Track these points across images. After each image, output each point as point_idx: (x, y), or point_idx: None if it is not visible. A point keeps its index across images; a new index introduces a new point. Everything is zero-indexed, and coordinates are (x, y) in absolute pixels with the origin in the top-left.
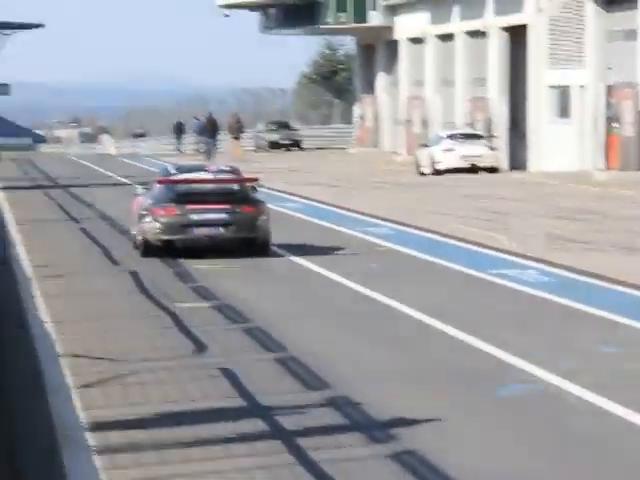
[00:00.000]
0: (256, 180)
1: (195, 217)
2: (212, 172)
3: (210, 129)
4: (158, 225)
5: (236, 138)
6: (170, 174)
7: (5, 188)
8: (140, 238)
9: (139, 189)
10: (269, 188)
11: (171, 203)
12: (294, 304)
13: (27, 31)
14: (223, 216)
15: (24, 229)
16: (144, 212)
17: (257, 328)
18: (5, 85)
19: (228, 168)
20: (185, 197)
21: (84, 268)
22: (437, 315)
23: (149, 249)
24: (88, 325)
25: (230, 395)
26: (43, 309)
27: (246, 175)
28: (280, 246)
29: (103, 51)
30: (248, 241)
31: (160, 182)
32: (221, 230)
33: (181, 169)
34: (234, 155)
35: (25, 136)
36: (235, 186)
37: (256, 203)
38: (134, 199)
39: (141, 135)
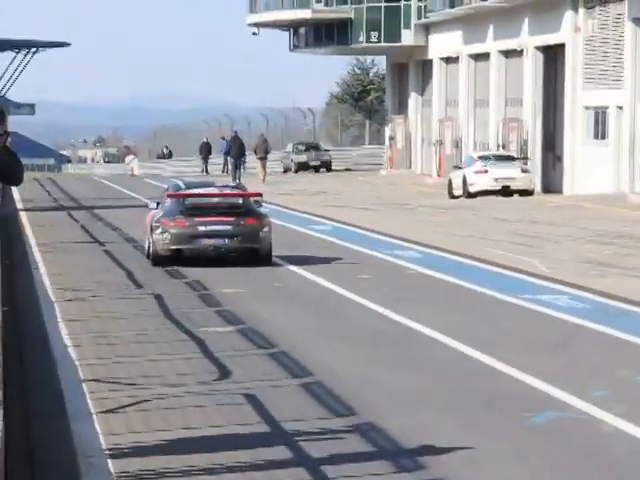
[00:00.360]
0: (260, 195)
1: (202, 228)
2: (218, 187)
3: (236, 149)
4: (168, 236)
5: (261, 159)
6: (180, 189)
7: (28, 209)
8: (151, 248)
9: (151, 203)
10: (296, 210)
11: (180, 215)
12: (321, 329)
13: (53, 50)
14: (228, 228)
15: (46, 251)
16: (156, 224)
17: (282, 353)
18: (30, 105)
19: (233, 184)
20: (193, 210)
21: (107, 291)
22: (466, 340)
23: (159, 259)
24: (110, 349)
25: (254, 421)
26: (65, 333)
27: (252, 191)
28: (308, 269)
29: (129, 70)
30: (251, 251)
31: (170, 196)
32: (226, 241)
33: (190, 185)
34: (259, 177)
35: (49, 156)
36: (240, 200)
37: (259, 216)
38: (147, 213)
39: (168, 155)
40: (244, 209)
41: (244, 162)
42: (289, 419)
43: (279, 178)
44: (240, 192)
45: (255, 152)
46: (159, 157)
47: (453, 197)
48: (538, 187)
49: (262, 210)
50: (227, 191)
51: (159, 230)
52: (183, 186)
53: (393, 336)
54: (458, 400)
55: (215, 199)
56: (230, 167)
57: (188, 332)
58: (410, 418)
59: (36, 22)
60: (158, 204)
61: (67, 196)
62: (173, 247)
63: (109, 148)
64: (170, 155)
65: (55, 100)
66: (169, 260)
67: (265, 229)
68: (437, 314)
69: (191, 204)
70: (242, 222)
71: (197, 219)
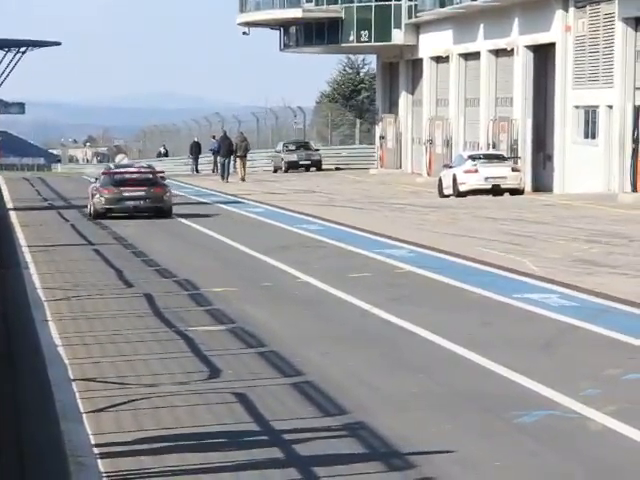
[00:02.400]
0: (162, 172)
1: (125, 194)
2: (136, 168)
3: (224, 148)
4: (102, 199)
5: (241, 157)
6: (111, 169)
7: (17, 209)
8: (92, 208)
9: (92, 179)
10: (287, 209)
11: (111, 186)
12: (310, 327)
13: (44, 49)
14: (142, 194)
15: (36, 251)
16: (94, 192)
17: (273, 352)
18: (20, 104)
19: (147, 165)
20: (119, 182)
21: (97, 290)
22: (457, 339)
23: (97, 215)
24: (101, 349)
25: (244, 420)
26: (55, 332)
27: (157, 170)
28: (297, 268)
29: (119, 70)
30: (158, 209)
31: (104, 173)
32: (141, 202)
33: (118, 166)
34: (239, 175)
35: (39, 156)
36: (150, 175)
37: (163, 186)
38: (89, 185)
39: (165, 154)
40: (153, 181)
41: (234, 161)
42: (279, 418)
43: (269, 177)
44: (150, 170)
45: (235, 151)
46: (158, 156)
47: (443, 196)
48: (528, 186)
49: (166, 182)
50: (142, 170)
51: (97, 195)
52: (113, 167)
53: (383, 335)
54: (448, 399)
55: (134, 175)
56: (219, 166)
57: (178, 331)
58: (401, 417)
59: (27, 21)
60: (96, 179)
61: (57, 195)
62: (106, 206)
63: (99, 147)
64: (167, 154)
65: (45, 99)
66: (103, 216)
67: (167, 195)
68: (427, 313)
69: (118, 178)
70: (152, 190)
71: (122, 188)
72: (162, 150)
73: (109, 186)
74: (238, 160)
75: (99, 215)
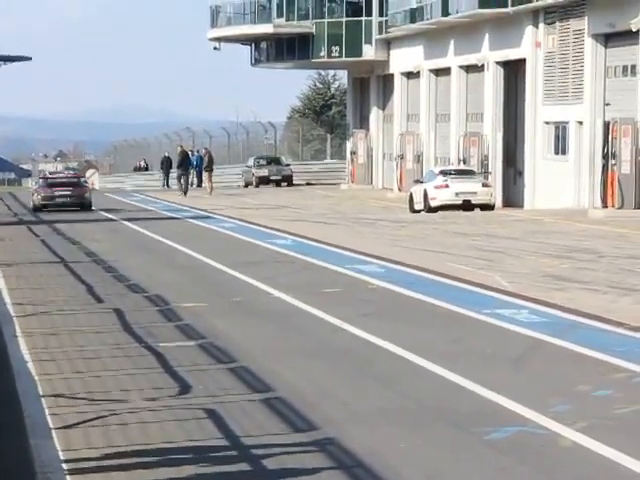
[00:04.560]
0: (83, 176)
1: (57, 193)
2: (65, 173)
3: (184, 163)
4: (39, 197)
5: (208, 171)
6: (46, 175)
7: None
8: (33, 204)
9: (33, 183)
10: (258, 224)
11: (46, 187)
12: (281, 343)
13: (13, 64)
14: (69, 192)
15: (6, 266)
16: (34, 192)
17: (243, 368)
18: None
19: (74, 171)
20: (52, 185)
21: (67, 305)
22: (426, 355)
23: (36, 208)
24: (70, 364)
25: (214, 436)
26: (24, 348)
27: (81, 174)
28: (267, 283)
29: (89, 84)
30: (80, 204)
31: (41, 178)
32: (68, 199)
33: (53, 173)
34: (207, 189)
35: (9, 170)
36: (75, 179)
37: (84, 187)
38: (33, 187)
39: (145, 168)
40: (77, 184)
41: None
42: (249, 434)
43: (240, 192)
44: (75, 175)
45: (196, 165)
46: (136, 169)
47: (414, 211)
48: (499, 201)
49: (87, 184)
50: (69, 175)
51: (36, 194)
52: (48, 174)
53: (354, 351)
54: (418, 415)
55: (63, 179)
56: (180, 181)
57: (148, 347)
58: (371, 433)
59: None
60: (37, 183)
61: (27, 210)
62: (42, 202)
63: (70, 162)
64: (147, 168)
65: (15, 114)
66: (40, 209)
67: (87, 194)
68: (398, 329)
69: (51, 182)
70: (76, 190)
71: (54, 188)
72: (142, 164)
73: (45, 187)
74: (206, 174)
75: (37, 209)
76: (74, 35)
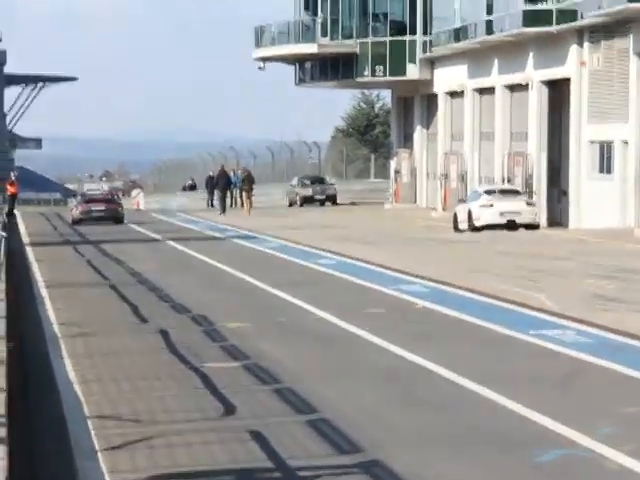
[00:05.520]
0: (117, 194)
1: (93, 208)
2: (101, 192)
3: (222, 183)
4: (78, 212)
5: (247, 191)
6: (85, 193)
7: (34, 244)
8: (72, 217)
9: (73, 200)
10: (302, 244)
11: (84, 203)
12: (325, 364)
13: (60, 84)
14: (103, 208)
15: (52, 286)
16: (74, 207)
17: (287, 389)
18: (37, 139)
19: (108, 191)
20: (88, 200)
21: (113, 326)
22: (471, 376)
23: (75, 222)
24: (116, 385)
25: (259, 458)
26: (70, 369)
27: (114, 192)
28: (312, 303)
29: (134, 104)
30: (114, 218)
31: (80, 195)
32: (103, 214)
33: (89, 190)
34: (245, 209)
35: (55, 190)
36: (109, 196)
37: (118, 204)
38: (73, 204)
39: (193, 187)
40: (111, 200)
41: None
42: (294, 456)
43: (284, 211)
44: (109, 192)
45: (232, 184)
46: (185, 188)
47: (458, 231)
48: (543, 221)
49: (120, 201)
50: (104, 192)
51: (75, 209)
52: (87, 191)
53: (399, 372)
54: (464, 437)
55: (98, 196)
56: (217, 200)
57: (193, 367)
58: (416, 455)
59: (44, 56)
60: (75, 199)
61: (73, 230)
62: (81, 216)
63: (115, 182)
64: (195, 187)
65: (62, 134)
66: (79, 222)
67: (120, 209)
68: (444, 349)
69: (88, 198)
70: (110, 205)
71: (91, 204)
72: (190, 182)
73: (82, 203)
74: (243, 194)
75: (75, 222)
76: (120, 55)
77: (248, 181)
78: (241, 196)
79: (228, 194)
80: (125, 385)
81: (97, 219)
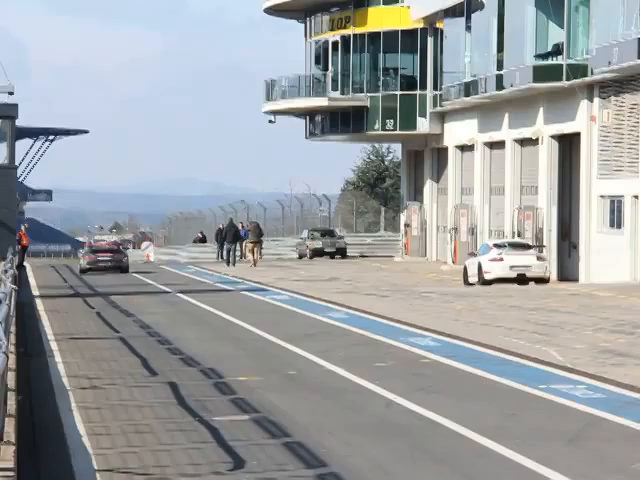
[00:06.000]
0: (122, 244)
1: (100, 258)
2: (107, 243)
3: (230, 235)
4: (86, 261)
5: (254, 243)
6: (92, 244)
7: (43, 296)
8: (80, 267)
9: (81, 250)
10: (312, 297)
11: (90, 254)
12: (335, 418)
13: (70, 137)
14: (109, 258)
15: (61, 339)
16: (81, 257)
17: (297, 443)
18: (48, 192)
19: (113, 242)
20: (95, 251)
21: (122, 378)
22: (481, 430)
23: (82, 272)
24: (125, 438)
25: None
26: (79, 421)
27: (119, 241)
28: (322, 357)
29: (144, 158)
30: (120, 268)
31: (87, 246)
32: (109, 263)
33: (96, 241)
34: (251, 260)
35: (65, 242)
36: (115, 247)
37: (123, 253)
38: (80, 254)
39: (203, 240)
40: (117, 250)
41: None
42: None
43: (294, 264)
44: (115, 243)
45: (238, 237)
46: (195, 241)
47: (469, 284)
48: (554, 275)
49: (126, 251)
50: (110, 243)
51: (83, 259)
52: (93, 242)
53: (409, 426)
54: None
55: (105, 246)
56: (225, 252)
57: (202, 421)
58: None
59: (56, 109)
60: (83, 250)
61: (83, 283)
62: (88, 266)
63: (125, 234)
64: (204, 240)
65: (72, 186)
66: (87, 272)
67: (125, 259)
68: (453, 403)
69: (94, 248)
70: (115, 255)
71: (97, 254)
72: (200, 235)
73: (90, 253)
74: (249, 246)
75: (83, 271)
76: (130, 110)
77: (254, 234)
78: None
79: (237, 246)
80: (134, 438)
81: (103, 269)
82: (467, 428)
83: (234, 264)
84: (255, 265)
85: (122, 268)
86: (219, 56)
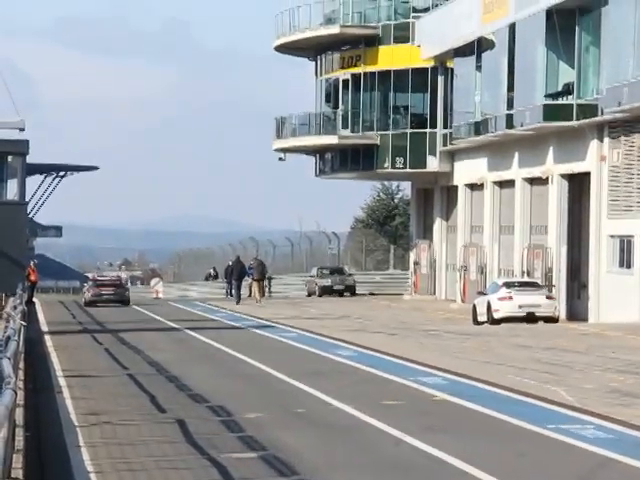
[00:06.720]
0: (124, 278)
1: (103, 292)
2: (109, 276)
3: (237, 272)
4: (90, 294)
5: (257, 281)
6: (96, 278)
7: (52, 332)
8: (84, 300)
9: (86, 285)
10: (321, 334)
11: (95, 287)
12: (343, 456)
13: (81, 173)
14: (112, 291)
15: (70, 375)
16: (85, 290)
17: None
18: (57, 228)
19: (116, 276)
20: (99, 284)
21: (130, 415)
22: (490, 470)
23: (87, 304)
24: (132, 476)
25: None
26: (87, 458)
27: (122, 277)
28: (330, 395)
29: (153, 194)
30: (121, 301)
31: (91, 280)
32: (112, 296)
33: (100, 276)
34: (256, 297)
35: (74, 279)
36: (117, 281)
37: (125, 287)
38: (85, 288)
39: (215, 277)
40: (119, 284)
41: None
42: None
43: (303, 301)
44: (118, 278)
45: (253, 274)
46: (207, 278)
47: (477, 323)
48: (563, 314)
49: (127, 285)
50: (113, 277)
51: (87, 293)
52: (96, 276)
53: (417, 465)
54: None
55: (108, 281)
56: (233, 289)
57: (211, 458)
58: None
59: (65, 145)
60: (87, 284)
61: (91, 319)
62: (92, 299)
63: (135, 271)
64: (217, 276)
65: (82, 223)
66: (91, 304)
67: (127, 293)
68: (462, 443)
69: (98, 282)
70: (118, 289)
71: (100, 288)
72: (212, 272)
73: (94, 287)
74: (254, 283)
75: (87, 304)
76: (139, 146)
77: (258, 270)
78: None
79: (245, 284)
80: (141, 476)
81: (106, 301)
82: (476, 467)
83: (237, 302)
84: (259, 302)
85: (124, 301)
86: (229, 93)
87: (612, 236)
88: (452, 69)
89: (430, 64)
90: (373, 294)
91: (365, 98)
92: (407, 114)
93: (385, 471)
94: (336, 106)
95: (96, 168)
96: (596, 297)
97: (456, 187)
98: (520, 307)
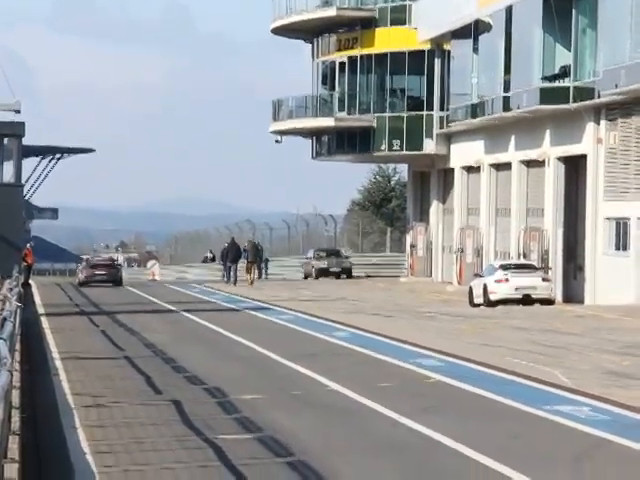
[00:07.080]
0: (117, 259)
1: (96, 272)
2: (102, 257)
3: (232, 254)
4: (83, 275)
5: (251, 263)
6: (90, 259)
7: (48, 314)
8: (78, 280)
9: (80, 266)
10: (317, 316)
11: (88, 268)
12: (339, 437)
13: (77, 156)
14: (105, 272)
15: (66, 357)
16: (79, 271)
17: (301, 462)
18: (53, 210)
19: (109, 257)
20: (92, 266)
21: (126, 397)
22: (485, 450)
23: (80, 284)
24: (128, 457)
25: None
26: (83, 439)
27: (113, 258)
28: (326, 376)
29: (150, 176)
30: (114, 281)
31: (85, 261)
32: (104, 277)
33: (93, 257)
34: (248, 280)
35: (71, 261)
36: (110, 262)
37: (117, 268)
38: (79, 268)
39: (212, 259)
40: (111, 266)
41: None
42: None
43: (300, 284)
44: (110, 259)
45: (247, 257)
46: (204, 261)
47: (474, 305)
48: (559, 297)
49: (119, 266)
50: (105, 258)
51: (80, 273)
52: (90, 258)
53: (413, 446)
54: None
55: (100, 262)
56: (227, 271)
57: (206, 439)
58: None
59: (62, 128)
60: (81, 265)
61: (88, 301)
62: (85, 279)
63: (131, 253)
64: (214, 259)
65: (78, 205)
66: (84, 284)
67: (119, 274)
68: (458, 424)
69: (91, 263)
70: (110, 270)
71: (93, 269)
72: (209, 255)
73: (87, 268)
74: (247, 265)
75: (81, 284)
76: (136, 128)
77: (252, 253)
78: (258, 268)
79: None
80: (138, 456)
81: (99, 281)
82: (471, 448)
83: (234, 283)
84: (252, 284)
85: (116, 281)
86: (226, 76)
87: (608, 218)
88: (449, 51)
89: (427, 47)
90: (369, 276)
91: (362, 80)
92: (404, 96)
93: (381, 452)
94: (332, 88)
95: (92, 150)
96: (592, 279)
97: (453, 170)
98: (516, 289)
